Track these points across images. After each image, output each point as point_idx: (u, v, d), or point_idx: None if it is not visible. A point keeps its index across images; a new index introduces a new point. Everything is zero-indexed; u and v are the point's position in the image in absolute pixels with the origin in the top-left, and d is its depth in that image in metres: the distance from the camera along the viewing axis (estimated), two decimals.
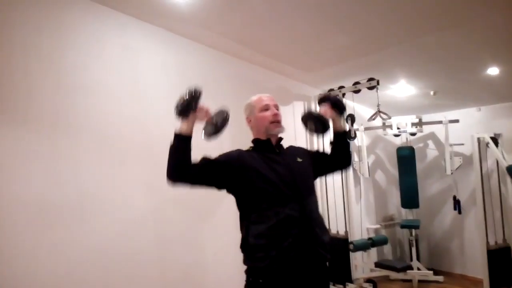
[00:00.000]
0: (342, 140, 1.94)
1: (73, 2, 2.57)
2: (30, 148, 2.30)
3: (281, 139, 1.84)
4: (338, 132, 1.93)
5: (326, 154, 1.97)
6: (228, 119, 1.70)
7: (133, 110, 2.80)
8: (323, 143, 3.90)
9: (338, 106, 1.90)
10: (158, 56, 2.99)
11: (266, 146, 1.77)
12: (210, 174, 1.64)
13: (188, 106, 1.59)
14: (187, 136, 1.59)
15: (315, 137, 3.96)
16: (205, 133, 1.71)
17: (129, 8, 2.74)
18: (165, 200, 2.91)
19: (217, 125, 1.68)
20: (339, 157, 1.94)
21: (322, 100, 1.96)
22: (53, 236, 2.33)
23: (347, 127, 2.08)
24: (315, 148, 2.07)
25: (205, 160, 1.64)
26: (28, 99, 2.32)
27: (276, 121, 1.77)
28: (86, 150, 2.53)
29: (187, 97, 1.60)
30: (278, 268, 1.55)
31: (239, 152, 1.74)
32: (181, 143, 1.58)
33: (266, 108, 1.78)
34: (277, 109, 1.81)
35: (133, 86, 2.82)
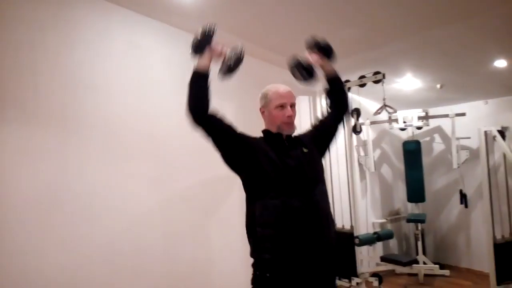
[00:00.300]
0: (336, 83, 1.92)
1: (80, 0, 2.57)
2: (38, 144, 2.32)
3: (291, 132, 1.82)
4: (330, 76, 1.90)
5: (324, 116, 1.95)
6: (243, 58, 1.72)
7: (140, 106, 2.81)
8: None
9: (325, 50, 1.86)
10: (164, 52, 3.00)
11: (277, 139, 1.74)
12: (228, 136, 1.65)
13: (203, 43, 1.63)
14: (204, 72, 1.62)
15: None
16: (220, 73, 1.72)
17: (135, 5, 2.75)
18: (171, 196, 2.92)
19: (231, 64, 1.69)
20: (338, 102, 1.92)
21: (309, 46, 1.90)
22: (61, 231, 2.35)
23: (349, 107, 2.04)
24: (314, 121, 2.02)
25: (231, 124, 1.67)
26: (36, 96, 2.34)
27: (289, 123, 1.75)
28: (93, 146, 2.55)
29: (201, 35, 1.63)
30: (285, 261, 1.54)
31: (256, 139, 1.75)
32: (199, 79, 1.62)
33: (282, 105, 1.74)
34: (293, 107, 1.78)
35: (139, 82, 2.83)
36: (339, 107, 1.94)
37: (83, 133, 2.52)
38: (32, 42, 2.34)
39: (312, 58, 1.83)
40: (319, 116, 2.00)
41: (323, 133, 1.90)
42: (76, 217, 2.42)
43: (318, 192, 1.69)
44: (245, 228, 1.68)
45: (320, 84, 1.92)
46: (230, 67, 1.69)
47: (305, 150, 1.75)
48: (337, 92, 1.92)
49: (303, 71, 1.80)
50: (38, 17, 2.38)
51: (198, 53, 1.63)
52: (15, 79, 2.27)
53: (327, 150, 1.92)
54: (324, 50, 1.86)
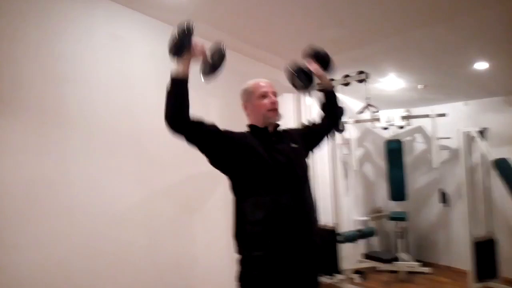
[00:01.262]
0: (332, 96, 1.90)
1: None
2: (18, 139, 2.26)
3: (277, 125, 1.79)
4: (327, 89, 1.89)
5: (316, 122, 1.93)
6: (225, 54, 1.62)
7: (122, 100, 2.77)
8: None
9: (325, 62, 1.85)
10: (147, 46, 2.96)
11: (263, 134, 1.72)
12: (212, 137, 1.58)
13: (181, 44, 1.48)
14: (183, 79, 1.51)
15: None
16: (203, 74, 1.62)
17: None
18: (154, 192, 2.89)
19: (214, 63, 1.59)
20: (332, 116, 1.91)
21: (309, 55, 1.88)
22: (41, 227, 2.30)
23: (342, 121, 2.03)
24: (305, 122, 2.02)
25: (213, 125, 1.60)
26: (15, 89, 2.27)
27: (274, 109, 1.73)
28: (74, 141, 2.50)
29: (179, 35, 1.48)
30: (274, 257, 1.54)
31: (243, 133, 1.70)
32: (178, 87, 1.50)
33: (264, 95, 1.73)
34: (275, 96, 1.76)
35: (122, 76, 2.79)
36: (332, 120, 1.94)
37: (63, 127, 2.46)
38: (12, 33, 2.27)
39: (312, 66, 1.82)
40: (311, 119, 1.99)
41: (312, 135, 1.90)
42: (56, 213, 2.37)
43: (307, 189, 1.69)
44: (232, 226, 1.66)
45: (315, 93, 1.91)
46: (215, 66, 1.59)
47: (293, 145, 1.74)
48: (332, 106, 1.92)
49: (304, 78, 1.77)
50: (20, 9, 2.31)
51: (177, 55, 1.50)
52: None
53: (311, 153, 1.92)
54: (324, 61, 1.85)
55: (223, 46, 1.62)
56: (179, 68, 1.51)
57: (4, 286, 2.12)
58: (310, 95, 1.88)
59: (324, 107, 1.92)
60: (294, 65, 1.80)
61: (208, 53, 1.59)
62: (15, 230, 2.21)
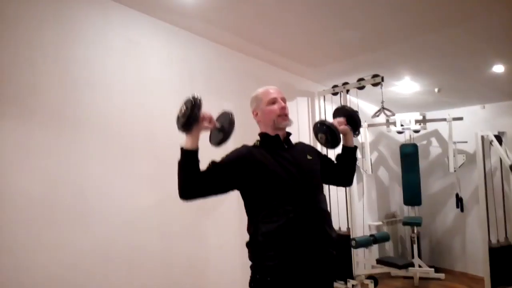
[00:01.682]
0: (351, 156, 1.89)
1: None
2: (36, 142, 2.32)
3: (289, 134, 1.79)
4: (348, 147, 1.88)
5: (333, 162, 1.91)
6: (234, 121, 1.63)
7: (138, 105, 2.81)
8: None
9: (354, 121, 1.85)
10: (162, 51, 3.00)
11: (275, 142, 1.71)
12: (221, 180, 1.57)
13: (190, 119, 1.46)
14: (193, 151, 1.51)
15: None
16: (213, 142, 1.64)
17: (134, 2, 2.75)
18: (168, 194, 2.90)
19: (224, 130, 1.60)
20: (343, 173, 1.89)
21: (338, 111, 1.90)
22: (58, 229, 2.35)
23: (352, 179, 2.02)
24: (324, 152, 2.01)
25: (214, 166, 1.56)
26: (34, 94, 2.34)
27: (284, 115, 1.72)
28: (92, 144, 2.55)
29: (187, 109, 1.46)
30: (288, 267, 1.53)
31: (247, 149, 1.68)
32: (189, 159, 1.51)
33: (273, 101, 1.72)
34: (285, 102, 1.75)
35: (137, 81, 2.83)
36: (344, 177, 1.92)
37: (81, 131, 2.51)
38: (31, 40, 2.34)
39: (340, 125, 1.83)
40: (329, 156, 1.99)
41: (325, 169, 1.85)
42: (73, 215, 2.42)
43: (320, 199, 1.68)
44: (246, 231, 1.66)
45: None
46: (225, 134, 1.60)
47: (309, 157, 1.75)
48: (349, 163, 1.90)
49: (329, 135, 1.78)
50: (37, 15, 2.38)
51: (186, 130, 1.48)
52: (14, 77, 2.26)
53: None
54: (352, 120, 1.86)
55: (231, 114, 1.63)
56: (189, 140, 1.51)
57: None
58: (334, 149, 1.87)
59: (339, 161, 1.91)
60: (319, 120, 1.85)
61: (218, 122, 1.60)
62: (35, 232, 2.26)
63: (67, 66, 2.49)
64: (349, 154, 1.88)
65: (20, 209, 2.22)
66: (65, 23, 2.50)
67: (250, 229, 1.65)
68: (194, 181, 1.51)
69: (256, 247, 1.60)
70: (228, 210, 3.22)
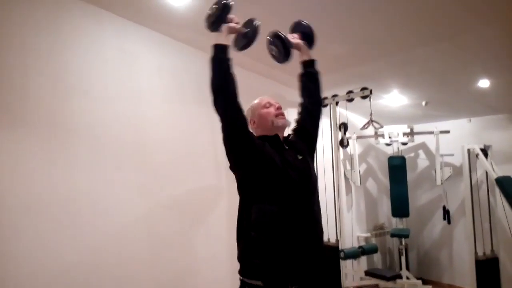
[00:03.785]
0: (312, 69, 1.88)
1: (72, 3, 2.58)
2: (25, 149, 2.28)
3: (288, 136, 1.80)
4: (306, 61, 1.88)
5: (300, 117, 1.90)
6: (259, 29, 1.69)
7: (129, 114, 2.80)
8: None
9: (309, 36, 1.86)
10: (154, 60, 3.00)
11: (275, 142, 1.69)
12: (245, 132, 1.58)
13: (219, 18, 1.57)
14: (224, 45, 1.58)
15: None
16: (238, 47, 1.71)
17: (127, 12, 2.75)
18: (158, 204, 2.90)
19: (248, 37, 1.68)
20: (311, 91, 1.87)
21: (295, 27, 1.90)
22: (46, 237, 2.31)
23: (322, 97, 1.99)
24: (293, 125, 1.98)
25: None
26: (25, 100, 2.31)
27: (280, 114, 1.74)
28: (81, 153, 2.52)
29: (216, 9, 1.57)
30: (274, 267, 1.52)
31: (261, 141, 1.66)
32: (220, 52, 1.57)
33: (268, 105, 1.77)
34: (279, 108, 1.78)
35: (129, 90, 2.82)
36: (312, 95, 1.89)
37: (71, 139, 2.49)
38: (23, 46, 2.32)
39: (293, 37, 1.83)
40: (295, 117, 1.96)
41: (306, 137, 1.84)
42: (62, 224, 2.38)
43: (315, 202, 1.69)
44: (237, 228, 1.64)
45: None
46: (249, 40, 1.69)
47: (299, 157, 1.71)
48: (312, 76, 1.89)
49: (281, 46, 1.77)
50: (29, 20, 2.36)
51: (214, 29, 1.59)
52: (4, 82, 2.24)
53: (314, 152, 1.90)
54: (308, 36, 1.86)
55: (257, 22, 1.70)
56: (219, 37, 1.59)
57: None
58: (285, 63, 1.85)
59: (302, 77, 1.90)
60: (273, 34, 1.80)
61: (243, 28, 1.68)
62: (24, 240, 2.22)
63: (58, 73, 2.47)
64: (309, 67, 1.89)
65: (8, 217, 2.18)
66: (58, 31, 2.49)
67: (242, 221, 1.62)
68: (226, 74, 1.57)
69: (246, 242, 1.58)
70: (218, 221, 3.20)
